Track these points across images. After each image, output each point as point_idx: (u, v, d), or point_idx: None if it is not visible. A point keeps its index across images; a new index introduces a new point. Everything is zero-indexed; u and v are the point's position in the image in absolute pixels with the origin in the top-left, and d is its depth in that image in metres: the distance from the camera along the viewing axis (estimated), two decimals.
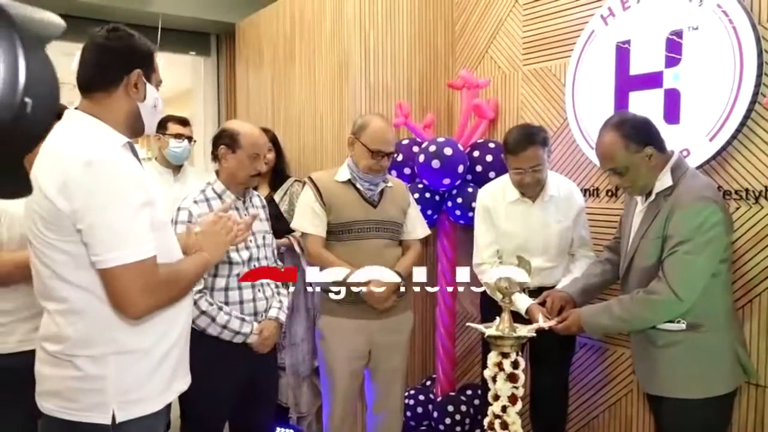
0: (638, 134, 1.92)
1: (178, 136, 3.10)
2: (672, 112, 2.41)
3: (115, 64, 1.45)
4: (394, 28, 3.28)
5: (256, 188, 3.18)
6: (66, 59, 5.74)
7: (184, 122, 3.19)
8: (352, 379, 2.48)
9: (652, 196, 1.95)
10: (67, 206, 1.31)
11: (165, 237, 1.51)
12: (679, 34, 2.38)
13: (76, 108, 1.49)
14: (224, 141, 2.22)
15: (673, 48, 2.41)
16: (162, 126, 3.19)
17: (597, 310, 2.04)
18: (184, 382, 1.61)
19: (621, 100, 2.58)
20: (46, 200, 1.33)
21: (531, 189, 2.43)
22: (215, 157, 2.26)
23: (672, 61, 2.41)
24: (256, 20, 4.04)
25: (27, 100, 0.64)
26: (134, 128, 1.51)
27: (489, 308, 2.41)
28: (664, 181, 1.92)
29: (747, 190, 2.25)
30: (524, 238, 2.44)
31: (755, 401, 2.27)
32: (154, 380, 1.46)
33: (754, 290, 2.25)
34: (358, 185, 2.42)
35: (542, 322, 2.04)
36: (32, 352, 1.52)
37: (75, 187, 1.31)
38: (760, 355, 2.24)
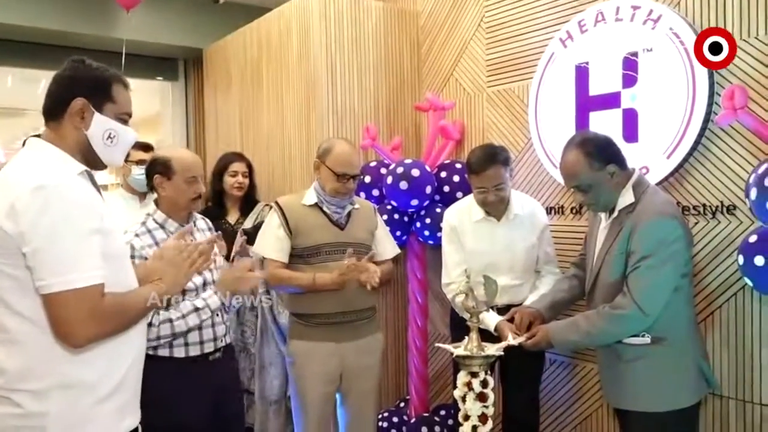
0: (600, 153, 1.97)
1: (140, 162, 3.07)
2: (630, 131, 2.48)
3: (60, 92, 1.45)
4: (361, 51, 3.32)
5: (225, 213, 3.19)
6: (28, 85, 5.68)
7: (146, 148, 3.16)
8: (325, 403, 2.46)
9: (615, 213, 2.00)
10: (14, 229, 1.29)
11: (120, 267, 1.47)
12: (634, 56, 2.47)
13: (37, 135, 1.48)
14: (157, 170, 2.15)
15: (630, 69, 2.49)
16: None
17: (564, 325, 2.07)
18: (134, 419, 1.52)
19: (582, 120, 2.65)
20: (6, 239, 1.30)
21: (495, 207, 2.47)
22: (152, 188, 2.19)
23: (629, 82, 2.49)
24: (223, 45, 4.05)
25: None
26: (88, 159, 1.47)
27: (459, 327, 2.42)
28: (627, 198, 1.97)
29: (704, 205, 2.32)
30: (491, 256, 2.47)
31: (720, 411, 2.31)
32: (101, 417, 1.39)
33: (715, 302, 2.30)
34: (325, 208, 2.43)
35: (511, 339, 2.06)
36: None
37: (22, 210, 1.28)
38: (723, 366, 2.29)
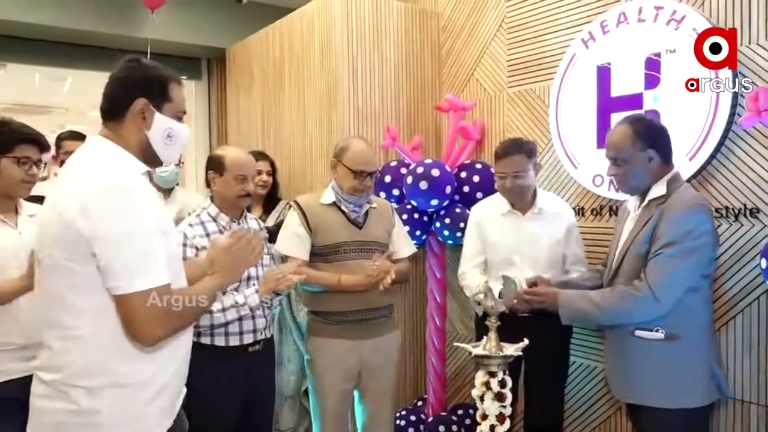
0: (648, 135, 1.97)
1: None
2: None
3: (120, 93, 1.47)
4: (382, 52, 3.34)
5: (249, 210, 3.24)
6: (56, 83, 5.82)
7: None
8: (343, 400, 2.49)
9: (645, 202, 1.99)
10: (86, 229, 1.30)
11: (177, 267, 1.52)
12: (657, 56, 2.45)
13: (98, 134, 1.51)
14: (212, 166, 2.31)
15: (652, 70, 2.47)
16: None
17: (575, 293, 2.09)
18: (171, 420, 1.54)
19: (603, 121, 2.64)
20: (63, 223, 1.32)
21: (512, 196, 2.49)
22: (207, 183, 2.35)
23: (651, 83, 2.48)
24: (246, 45, 4.10)
25: None
26: (147, 158, 1.50)
27: (483, 327, 2.43)
28: (659, 189, 1.96)
29: (727, 208, 2.30)
30: (513, 249, 2.50)
31: (741, 416, 2.29)
32: (148, 416, 1.42)
33: (737, 306, 2.28)
34: (343, 207, 2.45)
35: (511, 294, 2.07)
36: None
37: (95, 211, 1.30)
38: (744, 370, 2.27)
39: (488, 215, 2.60)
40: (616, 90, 2.60)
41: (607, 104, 2.63)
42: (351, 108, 3.23)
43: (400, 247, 2.59)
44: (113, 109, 1.47)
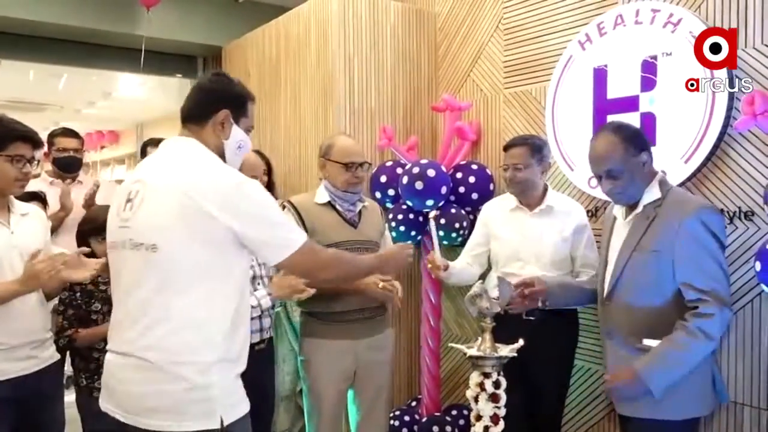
0: (636, 139, 1.93)
1: None
2: (648, 135, 2.43)
3: (206, 100, 1.62)
4: (378, 52, 3.34)
5: None
6: (51, 80, 5.80)
7: (158, 144, 3.21)
8: (339, 400, 2.48)
9: (639, 208, 1.93)
10: (230, 222, 1.45)
11: None
12: (653, 59, 2.46)
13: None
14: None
15: (648, 72, 2.48)
16: (143, 151, 3.24)
17: (652, 361, 1.85)
18: None
19: (599, 123, 2.64)
20: (201, 212, 1.43)
21: (514, 189, 2.51)
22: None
23: (647, 86, 2.48)
24: (242, 43, 4.09)
25: None
26: None
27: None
28: (653, 193, 1.92)
29: (722, 210, 2.30)
30: (518, 244, 2.50)
31: (734, 418, 2.30)
32: (239, 389, 1.57)
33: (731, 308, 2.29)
34: (338, 206, 2.44)
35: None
36: None
37: (236, 204, 1.46)
38: (737, 373, 2.28)
39: (496, 211, 2.63)
40: (613, 92, 2.60)
41: (603, 106, 2.64)
42: (347, 107, 3.23)
43: (391, 245, 2.59)
44: (198, 114, 1.61)
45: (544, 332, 2.30)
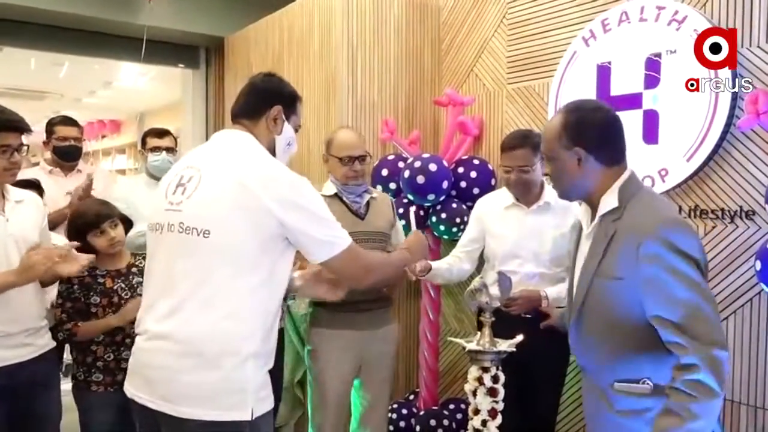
0: (578, 130, 1.53)
1: (155, 149, 3.12)
2: (651, 133, 2.47)
3: (261, 97, 1.68)
4: (382, 45, 3.33)
5: None
6: (52, 69, 5.76)
7: (160, 134, 3.20)
8: (345, 390, 2.49)
9: (596, 218, 1.55)
10: (282, 215, 1.47)
11: None
12: (657, 56, 2.45)
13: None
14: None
15: (652, 70, 2.47)
16: (143, 141, 3.23)
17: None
18: None
19: None
20: (255, 202, 1.46)
21: (517, 191, 2.45)
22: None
23: (651, 83, 2.48)
24: (245, 34, 4.07)
25: None
26: None
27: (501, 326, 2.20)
28: (609, 201, 1.52)
29: (723, 209, 2.31)
30: (515, 242, 2.45)
31: (731, 417, 2.31)
32: (268, 385, 1.58)
33: (729, 307, 2.30)
34: (344, 198, 2.45)
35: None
36: None
37: (292, 202, 1.49)
38: (735, 371, 2.28)
39: (491, 208, 2.56)
40: (616, 89, 2.60)
41: (606, 103, 2.63)
42: (350, 100, 3.22)
43: (401, 239, 2.57)
44: (252, 110, 1.66)
45: (542, 329, 2.28)
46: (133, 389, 1.56)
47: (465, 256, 2.61)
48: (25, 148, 2.04)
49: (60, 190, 3.14)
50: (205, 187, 1.51)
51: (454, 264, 2.59)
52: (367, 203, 2.49)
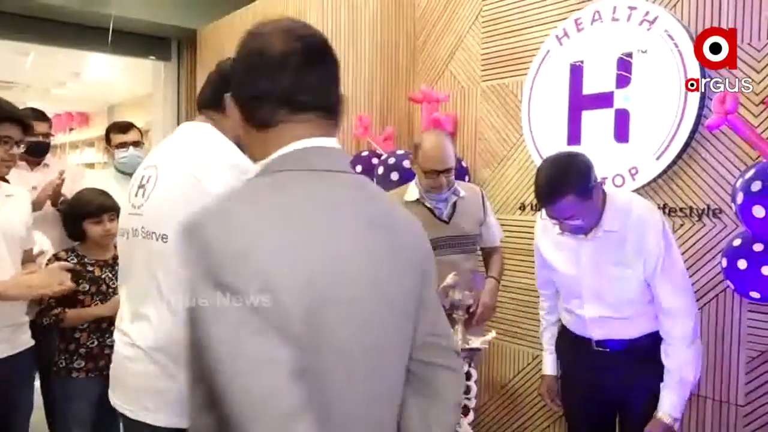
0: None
1: (121, 145, 3.05)
2: (622, 132, 2.50)
3: (223, 84, 1.47)
4: (356, 41, 3.31)
5: None
6: (20, 58, 5.57)
7: (124, 129, 3.11)
8: None
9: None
10: None
11: None
12: (629, 56, 2.48)
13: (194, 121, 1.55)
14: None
15: (624, 70, 2.50)
16: (107, 137, 3.16)
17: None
18: None
19: (574, 119, 2.66)
20: (204, 193, 1.29)
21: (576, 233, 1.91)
22: None
23: (622, 83, 2.51)
24: (218, 26, 4.02)
25: None
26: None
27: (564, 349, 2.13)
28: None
29: (691, 207, 2.35)
30: (572, 278, 1.98)
31: (696, 411, 2.36)
32: None
33: (697, 303, 2.33)
34: (428, 204, 2.36)
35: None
36: None
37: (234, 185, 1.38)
38: (702, 367, 2.30)
39: (545, 235, 2.06)
40: (588, 88, 2.62)
41: (578, 102, 2.66)
42: None
43: (492, 234, 2.53)
44: (211, 98, 1.51)
45: (631, 366, 1.92)
46: (114, 398, 1.52)
47: (555, 295, 2.13)
48: (23, 145, 2.04)
49: (25, 184, 3.05)
50: (160, 186, 1.42)
51: (553, 310, 2.17)
52: (454, 204, 2.40)
